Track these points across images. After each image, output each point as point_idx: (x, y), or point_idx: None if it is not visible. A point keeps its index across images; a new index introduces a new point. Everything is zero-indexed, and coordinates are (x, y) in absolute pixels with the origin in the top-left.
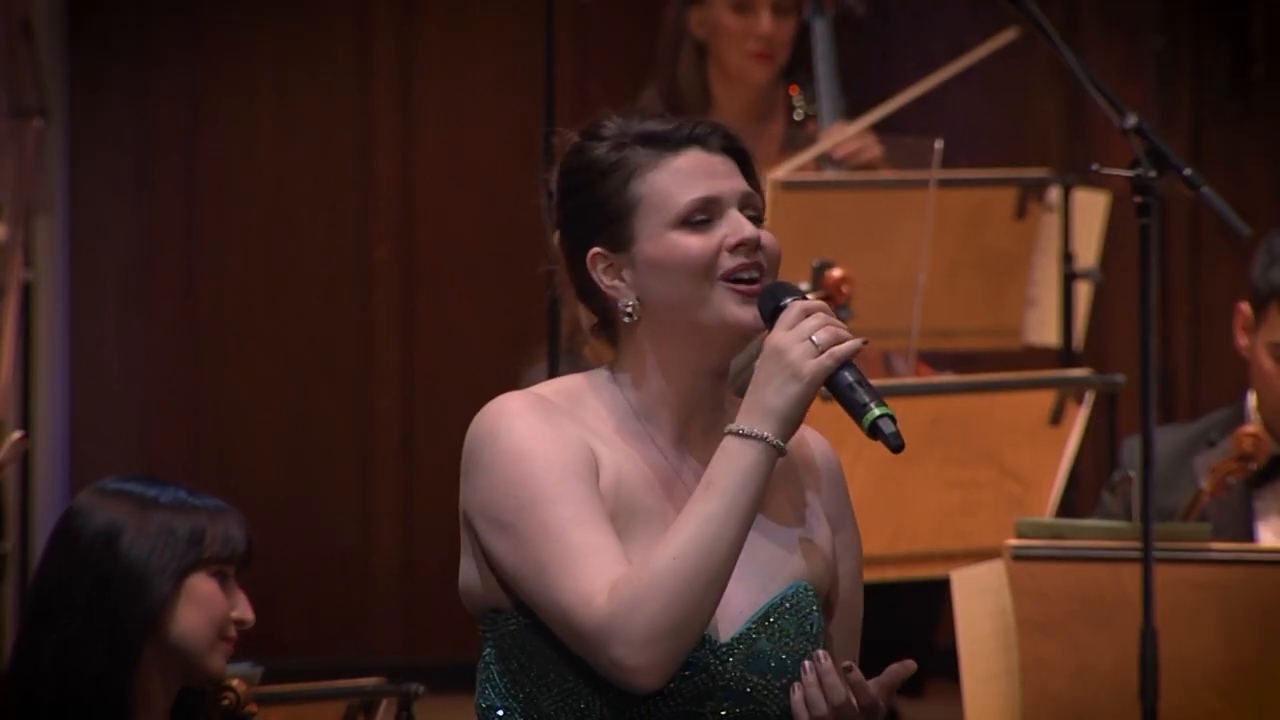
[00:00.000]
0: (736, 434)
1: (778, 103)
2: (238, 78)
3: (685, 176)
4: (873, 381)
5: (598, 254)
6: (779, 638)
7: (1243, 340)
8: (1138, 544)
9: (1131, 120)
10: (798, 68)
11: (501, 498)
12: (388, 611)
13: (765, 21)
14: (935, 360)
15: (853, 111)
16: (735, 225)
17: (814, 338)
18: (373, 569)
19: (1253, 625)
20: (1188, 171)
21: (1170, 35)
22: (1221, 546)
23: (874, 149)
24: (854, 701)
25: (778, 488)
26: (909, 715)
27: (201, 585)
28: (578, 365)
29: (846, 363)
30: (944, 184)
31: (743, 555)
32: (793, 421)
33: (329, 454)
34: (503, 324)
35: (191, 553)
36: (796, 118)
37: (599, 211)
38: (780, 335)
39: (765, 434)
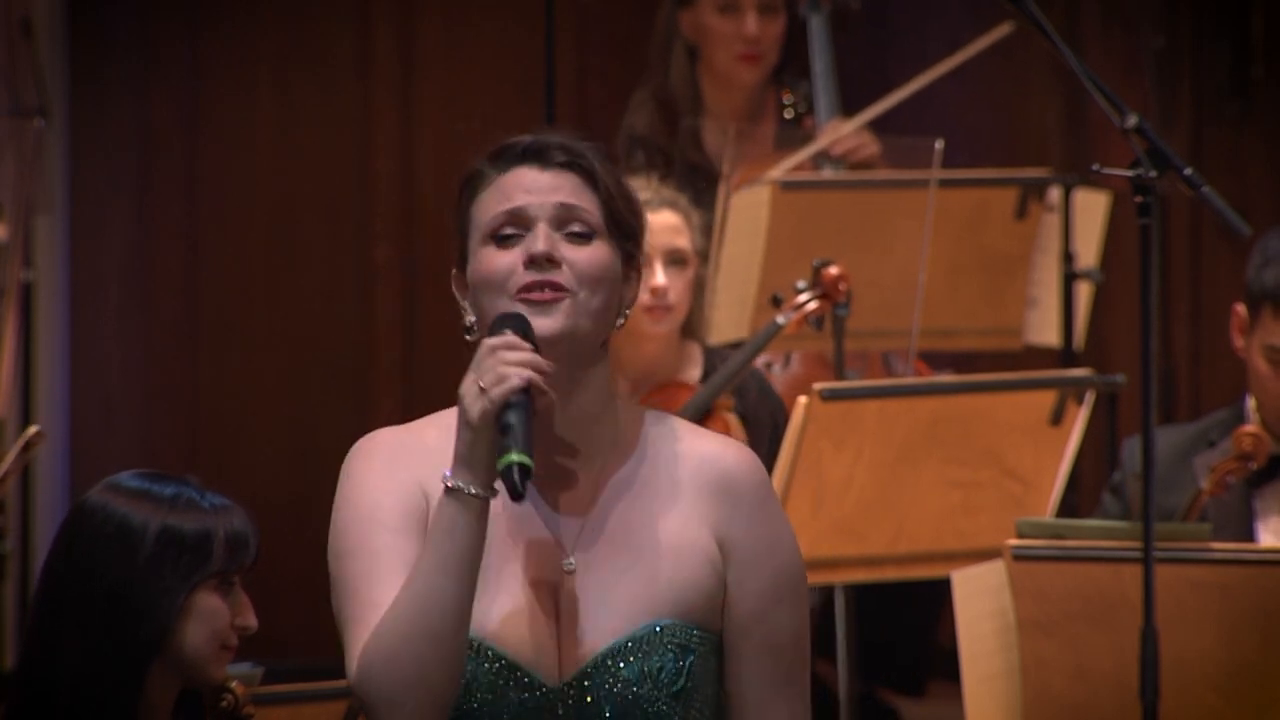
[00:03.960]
0: (445, 486)
1: (769, 102)
2: (238, 77)
3: (501, 192)
4: (873, 382)
5: (455, 273)
6: (615, 683)
7: (1239, 342)
8: (1138, 544)
9: (1132, 120)
10: (789, 67)
11: (330, 543)
12: None
13: (751, 23)
14: (934, 360)
15: (851, 110)
16: (531, 241)
17: (481, 381)
18: None
19: (1253, 625)
20: (1188, 171)
21: (1170, 35)
22: (1222, 546)
23: (871, 146)
24: None
25: (648, 515)
26: (909, 715)
27: (206, 600)
28: None
29: (514, 402)
30: (944, 184)
31: (592, 595)
32: (479, 464)
33: (329, 454)
34: None
35: (199, 570)
36: (787, 115)
37: (457, 229)
38: (465, 378)
39: (458, 483)
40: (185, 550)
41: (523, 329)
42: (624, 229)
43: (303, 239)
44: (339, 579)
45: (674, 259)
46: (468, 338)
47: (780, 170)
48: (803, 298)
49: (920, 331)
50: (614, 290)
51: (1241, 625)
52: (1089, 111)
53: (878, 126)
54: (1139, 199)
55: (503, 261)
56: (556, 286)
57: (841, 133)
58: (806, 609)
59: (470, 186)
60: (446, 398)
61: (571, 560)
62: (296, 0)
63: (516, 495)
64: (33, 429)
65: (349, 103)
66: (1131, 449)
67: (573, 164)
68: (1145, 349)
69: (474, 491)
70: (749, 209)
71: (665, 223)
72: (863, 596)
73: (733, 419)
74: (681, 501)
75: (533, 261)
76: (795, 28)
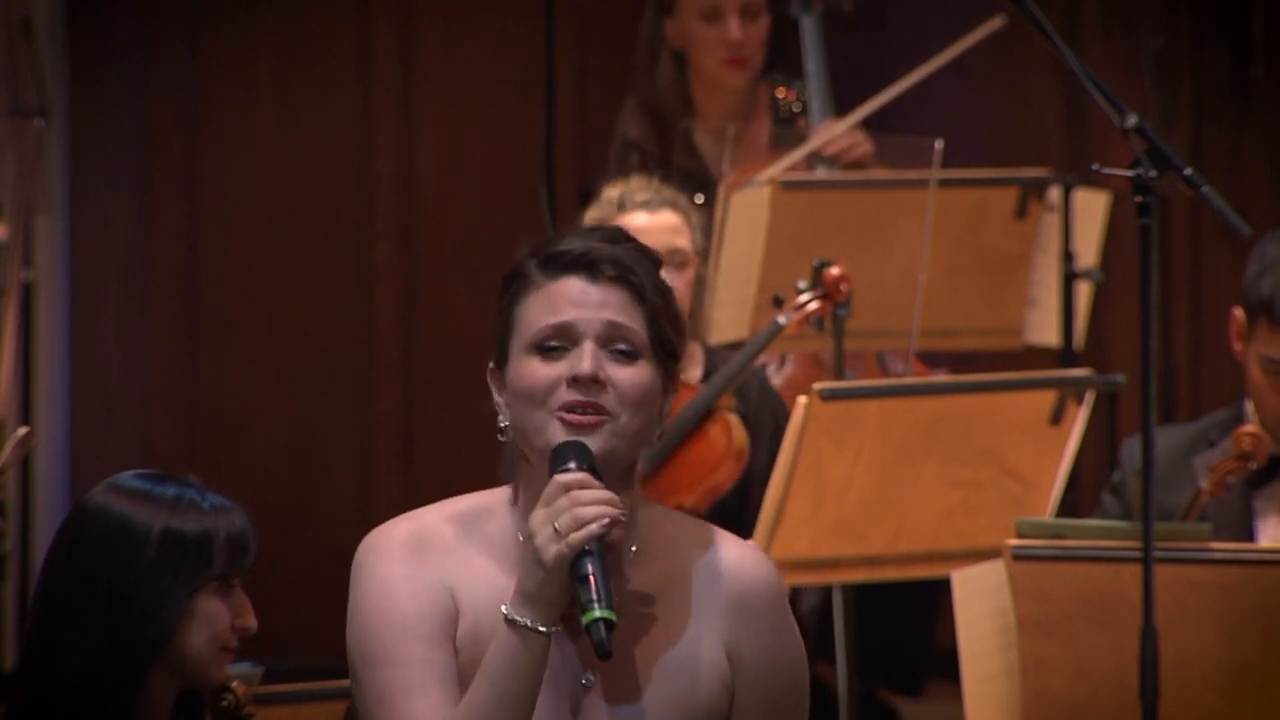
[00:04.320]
0: (505, 618)
1: (760, 102)
2: (238, 77)
3: (550, 302)
4: (873, 382)
5: (491, 368)
6: None
7: (1238, 346)
8: (1138, 544)
9: (1131, 120)
10: (777, 65)
11: (353, 643)
12: None
13: (734, 28)
14: (930, 359)
15: (846, 110)
16: (577, 359)
17: (557, 522)
18: None
19: (1253, 625)
20: (1188, 171)
21: (1170, 35)
22: (1222, 546)
23: (864, 145)
24: None
25: (665, 631)
26: (909, 715)
27: (207, 603)
28: None
29: (590, 549)
30: (944, 184)
31: (608, 713)
32: (549, 604)
33: (329, 454)
34: None
35: (200, 574)
36: (781, 115)
37: (498, 325)
38: (535, 515)
39: (525, 621)
40: (186, 554)
41: (589, 461)
42: (667, 348)
43: (303, 239)
44: (370, 686)
45: (674, 259)
46: (500, 438)
47: (774, 170)
48: (804, 298)
49: (920, 331)
50: (653, 411)
51: (1241, 625)
52: (1089, 111)
53: (878, 126)
54: (1139, 199)
55: (546, 375)
56: (599, 409)
57: (834, 133)
58: None
59: (516, 286)
60: (446, 397)
61: (590, 676)
62: (296, 0)
63: (604, 654)
64: (23, 429)
65: (349, 103)
66: (1131, 449)
67: (622, 279)
68: (1145, 349)
69: (540, 629)
70: (749, 209)
71: (665, 223)
72: (862, 596)
73: (734, 419)
74: (698, 615)
75: (577, 381)
76: (787, 28)
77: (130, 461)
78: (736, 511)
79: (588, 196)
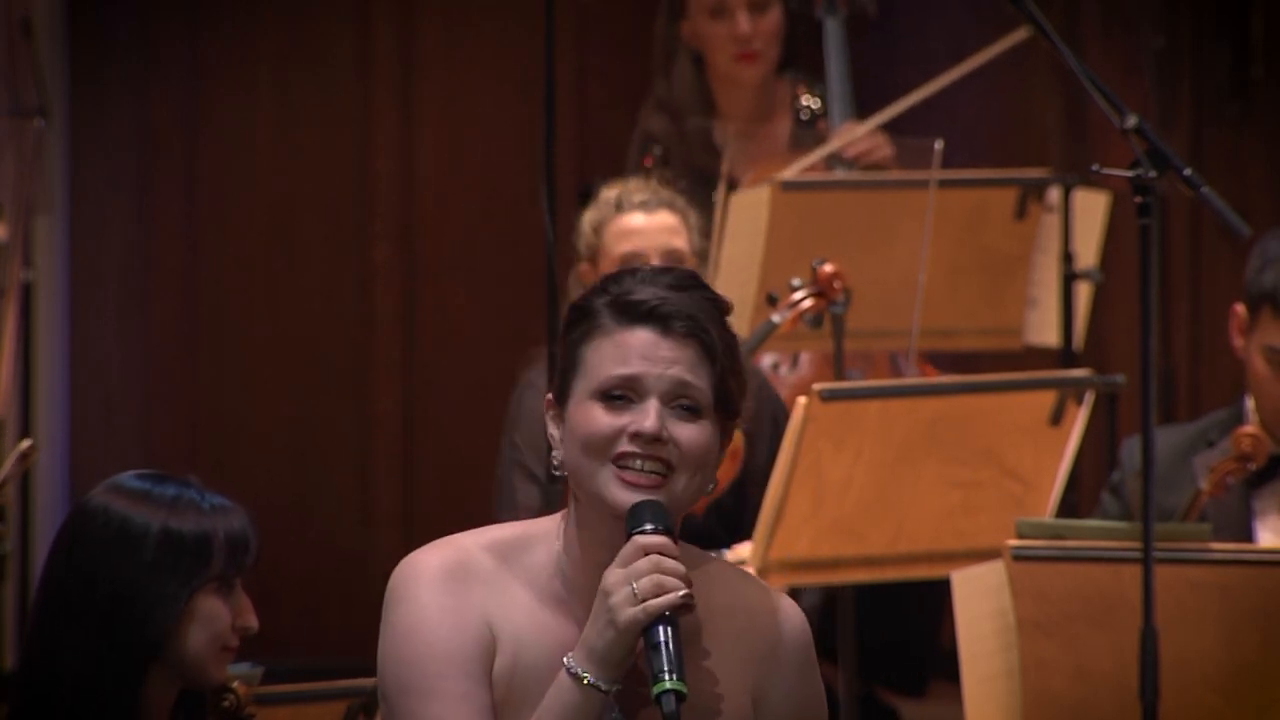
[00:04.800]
0: (568, 670)
1: (779, 100)
2: (238, 77)
3: (620, 352)
4: (873, 382)
5: (550, 400)
6: None
7: (1238, 342)
8: (1138, 544)
9: (1131, 121)
10: (794, 61)
11: (388, 669)
12: None
13: (743, 22)
14: (937, 361)
15: (863, 112)
16: (641, 415)
17: (635, 585)
18: (372, 570)
19: (1253, 625)
20: (1188, 171)
21: (1170, 35)
22: (1221, 547)
23: (885, 149)
24: None
25: (693, 674)
26: (909, 715)
27: (206, 604)
28: None
29: (664, 617)
30: (944, 184)
31: None
32: (615, 664)
33: (329, 454)
34: (502, 324)
35: (199, 574)
36: (804, 117)
37: (562, 359)
38: (612, 573)
39: (587, 677)
40: (185, 554)
41: (665, 522)
42: (729, 408)
43: (303, 239)
44: (406, 714)
45: (671, 259)
46: (554, 473)
47: (793, 171)
48: (798, 295)
49: (920, 331)
50: (709, 468)
51: (1241, 625)
52: (1089, 111)
53: (883, 126)
54: (1139, 199)
55: (607, 425)
56: (656, 461)
57: (855, 135)
58: None
59: (585, 326)
60: (446, 397)
61: (618, 715)
62: (296, 0)
63: None
64: (26, 442)
65: (349, 103)
66: (1131, 449)
67: (693, 335)
68: (1145, 349)
69: (603, 687)
70: (749, 209)
71: (662, 223)
72: (863, 597)
73: None
74: (728, 660)
75: (639, 436)
76: (809, 28)
77: (130, 462)
78: (733, 511)
79: (587, 196)
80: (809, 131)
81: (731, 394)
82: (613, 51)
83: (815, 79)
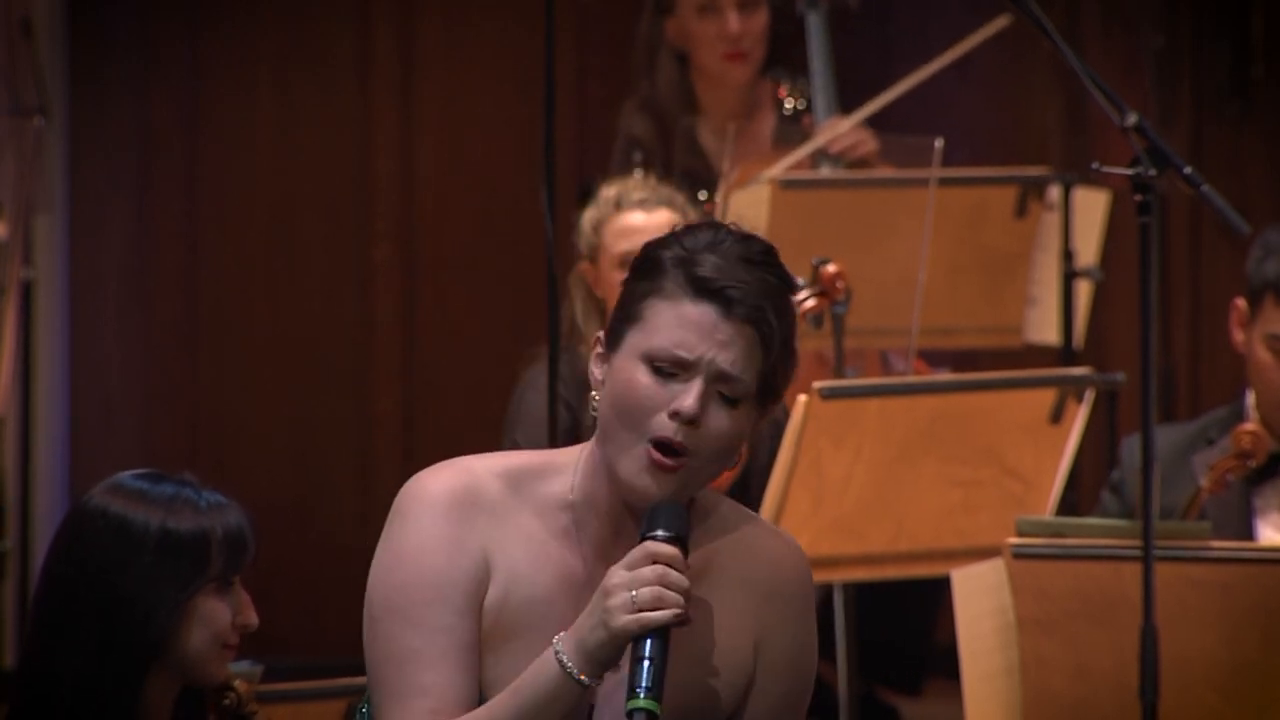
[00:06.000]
0: (555, 652)
1: (764, 98)
2: (238, 77)
3: (680, 323)
4: (873, 380)
5: (598, 338)
6: None
7: (1239, 336)
8: (1138, 542)
9: (1131, 119)
10: (780, 60)
11: (377, 587)
12: None
13: (732, 21)
14: (935, 358)
15: (852, 108)
16: (684, 394)
17: (636, 593)
18: None
19: (1253, 624)
20: (1188, 170)
21: (1170, 35)
22: (1222, 545)
23: (869, 143)
24: None
25: (699, 617)
26: (909, 714)
27: (206, 604)
28: (575, 363)
29: (655, 632)
30: (944, 183)
31: (620, 693)
32: (601, 663)
33: (329, 454)
34: (503, 323)
35: (198, 574)
36: (786, 112)
37: (620, 301)
38: (616, 572)
39: (572, 668)
40: (184, 554)
41: (680, 531)
42: (772, 394)
43: (303, 239)
44: (386, 640)
45: None
46: (592, 412)
47: (778, 168)
48: (800, 295)
49: (920, 330)
50: (733, 452)
51: (1242, 624)
52: (1089, 110)
53: (879, 124)
54: (1139, 197)
55: (650, 396)
56: (686, 450)
57: (839, 130)
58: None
59: (653, 280)
60: (446, 397)
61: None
62: (296, 0)
63: None
64: None
65: (349, 103)
66: (1131, 447)
67: (752, 321)
68: (1145, 347)
69: (584, 680)
70: (749, 208)
71: (661, 221)
72: (862, 595)
73: None
74: (731, 601)
75: (677, 415)
76: (792, 24)
77: (130, 462)
78: None
79: (586, 194)
80: (794, 127)
81: (777, 383)
82: (613, 51)
83: (795, 74)
